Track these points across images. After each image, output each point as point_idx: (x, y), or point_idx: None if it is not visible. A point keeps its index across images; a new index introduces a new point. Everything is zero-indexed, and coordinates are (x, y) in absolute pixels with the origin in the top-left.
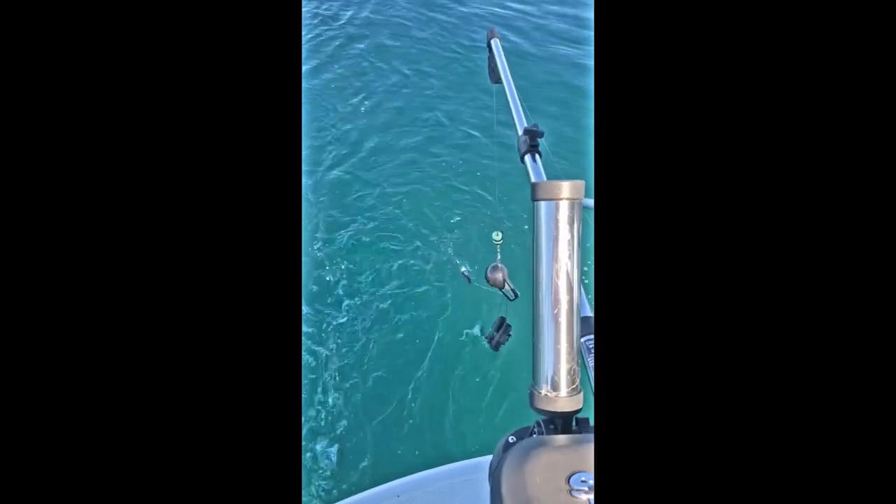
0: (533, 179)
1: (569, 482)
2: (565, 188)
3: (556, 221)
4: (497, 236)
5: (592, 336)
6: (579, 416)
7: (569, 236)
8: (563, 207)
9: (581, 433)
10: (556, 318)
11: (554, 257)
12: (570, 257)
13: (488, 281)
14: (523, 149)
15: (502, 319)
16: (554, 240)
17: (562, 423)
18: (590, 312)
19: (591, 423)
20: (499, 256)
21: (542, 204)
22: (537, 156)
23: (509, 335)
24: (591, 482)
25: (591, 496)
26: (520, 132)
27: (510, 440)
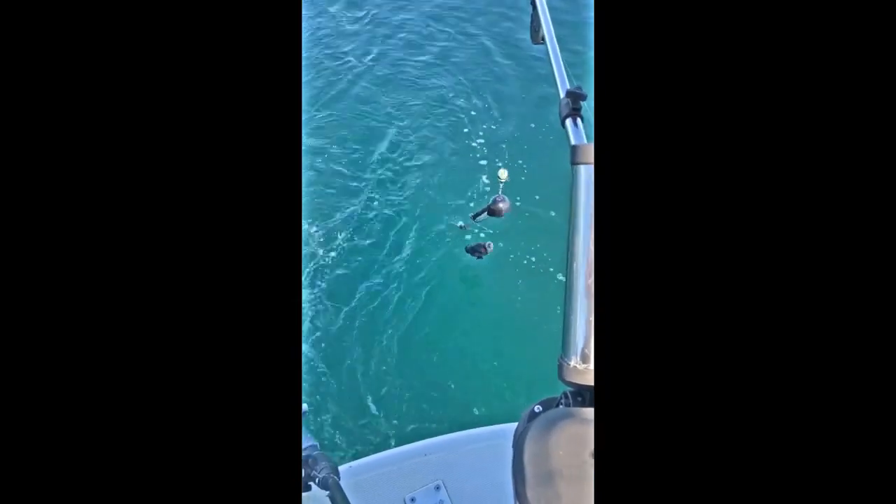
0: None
1: (593, 456)
2: None
3: (595, 185)
4: (503, 175)
5: None
6: None
7: None
8: None
9: None
10: (589, 288)
11: (591, 225)
12: None
13: (492, 212)
14: (565, 112)
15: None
16: (590, 206)
17: (590, 396)
18: None
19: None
20: (501, 191)
21: (582, 168)
22: (579, 120)
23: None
24: None
25: None
26: (562, 95)
27: (536, 409)
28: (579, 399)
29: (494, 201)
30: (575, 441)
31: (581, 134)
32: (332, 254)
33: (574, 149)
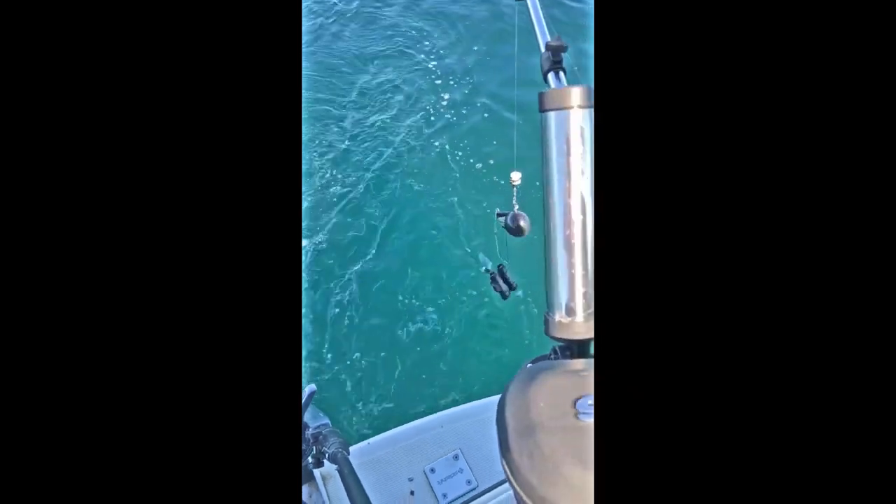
0: None
1: (575, 405)
2: (576, 95)
3: (567, 134)
4: (516, 177)
5: None
6: None
7: (581, 150)
8: (575, 118)
9: None
10: (568, 240)
11: (566, 174)
12: (584, 173)
13: (510, 229)
14: (546, 66)
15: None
16: (565, 154)
17: (578, 348)
18: None
19: None
20: (515, 200)
21: (552, 115)
22: (562, 73)
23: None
24: None
25: None
26: (542, 49)
27: (528, 367)
28: (567, 353)
29: (513, 218)
30: (555, 392)
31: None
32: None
33: (542, 96)
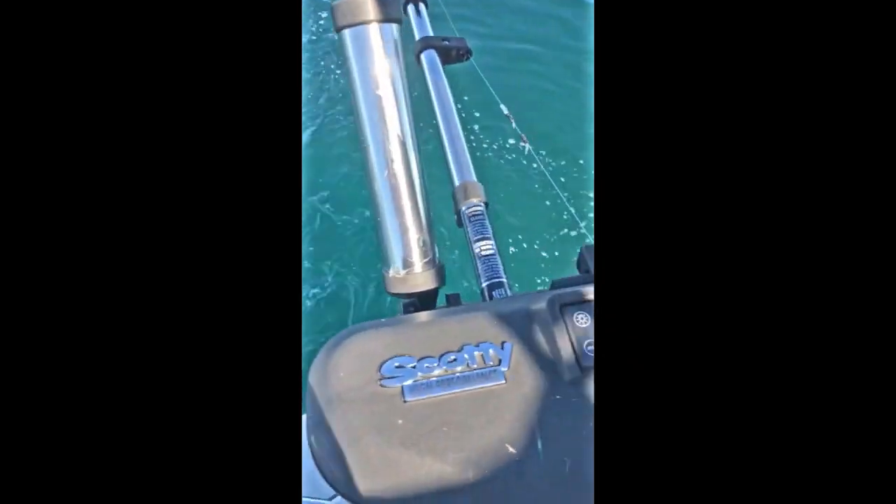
0: (417, 36)
1: (380, 370)
2: (372, 6)
3: (370, 55)
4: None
5: (474, 202)
6: (449, 293)
7: (389, 72)
8: (375, 34)
9: None
10: (390, 181)
11: (374, 104)
12: (397, 100)
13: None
14: None
15: None
16: (371, 80)
17: (421, 302)
18: (472, 177)
19: (463, 298)
20: None
21: (347, 33)
22: (421, 6)
23: None
24: (410, 366)
25: (406, 383)
26: None
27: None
28: (412, 308)
29: None
30: (361, 358)
31: (425, 23)
32: None
33: (334, 10)
